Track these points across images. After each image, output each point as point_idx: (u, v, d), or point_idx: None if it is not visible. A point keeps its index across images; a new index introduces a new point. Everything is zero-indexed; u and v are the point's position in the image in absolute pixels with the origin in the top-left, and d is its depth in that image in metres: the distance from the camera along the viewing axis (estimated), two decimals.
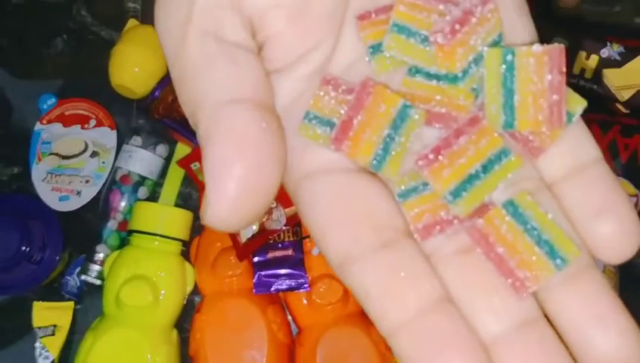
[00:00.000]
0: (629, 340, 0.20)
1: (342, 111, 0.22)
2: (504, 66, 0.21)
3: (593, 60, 0.82)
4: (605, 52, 0.82)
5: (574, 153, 0.23)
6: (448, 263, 0.22)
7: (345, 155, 0.22)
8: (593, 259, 0.22)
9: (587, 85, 0.82)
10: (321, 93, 0.22)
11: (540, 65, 0.21)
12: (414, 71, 0.23)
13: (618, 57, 0.82)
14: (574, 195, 0.22)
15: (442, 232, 0.22)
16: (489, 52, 0.21)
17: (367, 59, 0.23)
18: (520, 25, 0.24)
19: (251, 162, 0.20)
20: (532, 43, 0.22)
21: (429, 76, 0.23)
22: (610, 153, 0.80)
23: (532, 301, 0.22)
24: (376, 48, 0.23)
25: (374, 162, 0.21)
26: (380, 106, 0.21)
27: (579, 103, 0.23)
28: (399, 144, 0.21)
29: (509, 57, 0.21)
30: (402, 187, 0.22)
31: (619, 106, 0.82)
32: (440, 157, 0.21)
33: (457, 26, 0.21)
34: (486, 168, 0.21)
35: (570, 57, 0.82)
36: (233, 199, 0.19)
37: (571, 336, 0.21)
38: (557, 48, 0.22)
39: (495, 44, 0.22)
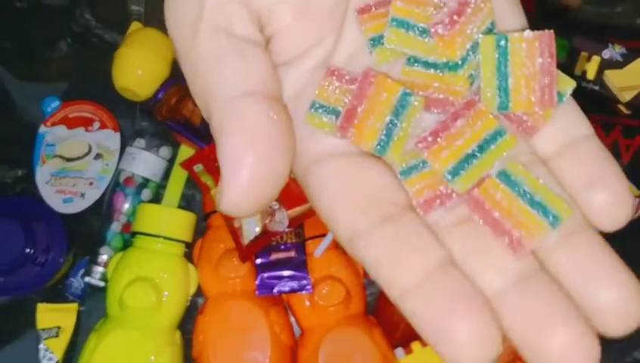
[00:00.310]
0: (629, 292, 0.22)
1: (346, 100, 0.23)
2: (498, 52, 0.22)
3: (595, 62, 0.82)
4: (607, 53, 0.82)
5: (566, 130, 0.24)
6: (449, 232, 0.23)
7: (350, 142, 0.23)
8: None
9: (589, 87, 0.82)
10: (326, 83, 0.23)
11: (532, 50, 0.22)
12: (413, 61, 0.24)
13: (620, 58, 0.82)
14: (567, 168, 0.24)
15: (443, 205, 0.23)
16: (484, 39, 0.23)
17: (368, 51, 0.25)
18: (510, 13, 0.25)
19: (262, 152, 0.21)
20: (523, 30, 0.23)
21: (427, 64, 0.24)
22: (612, 155, 0.79)
23: (531, 259, 0.22)
24: (377, 41, 0.24)
25: (378, 147, 0.23)
26: (382, 94, 0.23)
27: (569, 84, 0.24)
28: (400, 129, 0.23)
29: (502, 43, 0.23)
30: (404, 166, 0.23)
31: (620, 107, 0.82)
32: (439, 139, 0.22)
33: (455, 17, 0.22)
34: (482, 147, 0.23)
35: (572, 59, 0.82)
36: (246, 186, 0.21)
37: (572, 291, 0.22)
38: (547, 34, 0.23)
39: (489, 32, 0.24)
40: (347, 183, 0.23)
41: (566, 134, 0.24)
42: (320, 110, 0.23)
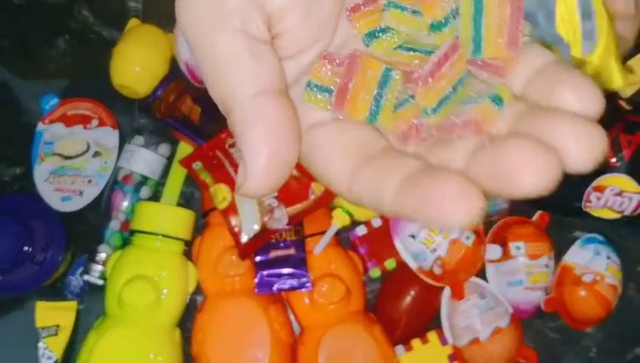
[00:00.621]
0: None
1: (337, 80, 0.27)
2: (474, 6, 0.26)
3: None
4: None
5: (532, 63, 0.27)
6: (424, 150, 0.26)
7: (344, 116, 0.27)
8: None
9: None
10: (319, 66, 0.27)
11: (502, 2, 0.26)
12: (398, 47, 0.28)
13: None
14: (538, 86, 0.26)
15: (418, 135, 0.26)
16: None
17: (364, 46, 0.28)
18: None
19: (276, 142, 0.25)
20: None
21: (409, 49, 0.28)
22: (614, 150, 0.79)
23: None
24: (371, 35, 0.28)
25: (370, 116, 0.26)
26: (368, 71, 0.26)
27: (527, 27, 0.27)
28: (386, 99, 0.26)
29: None
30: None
31: (622, 102, 0.82)
32: (430, 80, 0.26)
33: None
34: (455, 88, 0.26)
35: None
36: (264, 172, 0.25)
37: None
38: None
39: None
40: (336, 138, 0.27)
41: (533, 66, 0.26)
42: (315, 89, 0.27)
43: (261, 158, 0.25)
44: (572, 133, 0.22)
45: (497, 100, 0.25)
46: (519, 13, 0.26)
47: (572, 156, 0.22)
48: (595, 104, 0.24)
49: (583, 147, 0.22)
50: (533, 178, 0.22)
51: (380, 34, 0.28)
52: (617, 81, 0.31)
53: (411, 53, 0.28)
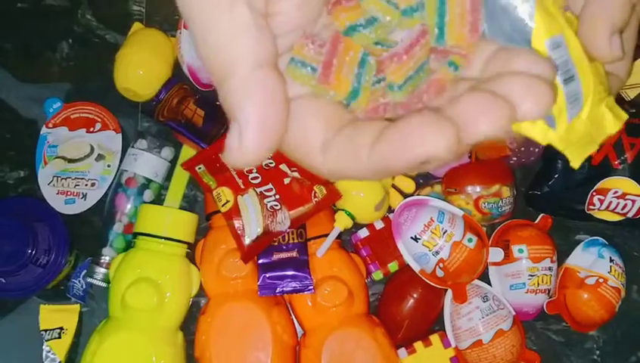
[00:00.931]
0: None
1: (319, 58, 0.28)
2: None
3: None
4: None
5: (488, 46, 0.29)
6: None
7: (329, 89, 0.28)
8: None
9: None
10: (303, 44, 0.29)
11: None
12: (375, 43, 0.30)
13: None
14: (495, 65, 0.28)
15: (385, 113, 0.28)
16: None
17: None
18: None
19: (274, 113, 0.26)
20: None
21: (382, 45, 0.30)
22: (616, 153, 0.79)
23: None
24: (352, 29, 0.29)
25: (353, 92, 0.28)
26: (350, 52, 0.28)
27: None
28: (365, 80, 0.28)
29: None
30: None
31: (624, 105, 0.82)
32: (405, 57, 0.28)
33: None
34: (418, 71, 0.28)
35: None
36: (261, 141, 0.26)
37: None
38: None
39: None
40: (310, 111, 0.28)
41: (488, 49, 0.29)
42: (299, 64, 0.28)
43: (259, 128, 0.26)
44: (521, 86, 0.25)
45: (453, 65, 0.28)
46: (478, 2, 0.28)
47: (521, 106, 0.24)
48: (546, 71, 0.26)
49: (531, 98, 0.24)
50: (488, 122, 0.24)
51: (360, 28, 0.29)
52: (611, 126, 0.31)
53: (383, 47, 0.30)
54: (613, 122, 0.32)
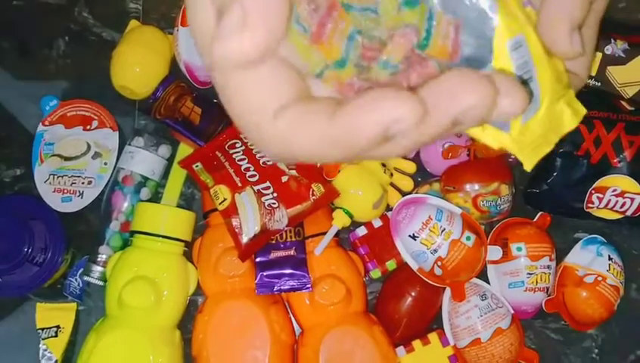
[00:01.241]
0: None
1: (312, 20, 0.28)
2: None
3: (597, 58, 0.81)
4: (609, 49, 0.81)
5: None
6: None
7: (319, 51, 0.28)
8: None
9: (591, 83, 0.82)
10: (298, 3, 0.28)
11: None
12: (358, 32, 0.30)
13: (622, 54, 0.81)
14: None
15: (359, 90, 0.28)
16: None
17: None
18: None
19: (281, 6, 0.25)
20: None
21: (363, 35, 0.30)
22: (615, 151, 0.79)
23: None
24: (347, 7, 0.29)
25: (343, 56, 0.28)
26: (342, 22, 0.28)
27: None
28: (353, 54, 0.28)
29: None
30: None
31: (623, 103, 0.82)
32: (402, 40, 0.28)
33: None
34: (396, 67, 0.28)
35: None
36: (265, 28, 0.24)
37: None
38: None
39: None
40: (275, 71, 0.26)
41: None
42: (293, 20, 0.27)
43: (265, 15, 0.24)
44: (505, 85, 0.25)
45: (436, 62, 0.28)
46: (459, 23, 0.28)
47: (501, 102, 0.25)
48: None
49: (513, 95, 0.25)
50: (468, 95, 0.24)
51: (354, 9, 0.29)
52: (569, 123, 0.31)
53: (364, 38, 0.30)
54: (571, 118, 0.32)
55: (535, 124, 0.31)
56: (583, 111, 0.32)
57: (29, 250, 0.74)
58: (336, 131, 0.24)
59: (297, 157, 0.26)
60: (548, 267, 0.79)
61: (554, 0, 0.30)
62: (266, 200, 0.72)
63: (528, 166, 0.32)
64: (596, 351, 0.84)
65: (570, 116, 0.32)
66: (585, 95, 0.86)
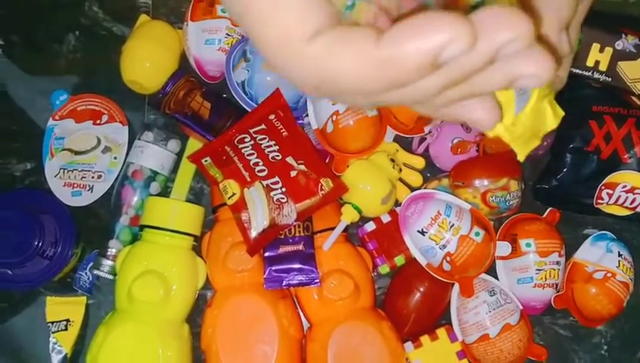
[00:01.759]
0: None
1: None
2: None
3: (607, 53, 0.81)
4: (620, 44, 0.81)
5: None
6: None
7: None
8: None
9: (601, 78, 0.81)
10: None
11: None
12: None
13: (633, 50, 0.81)
14: None
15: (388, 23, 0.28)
16: None
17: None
18: None
19: None
20: None
21: None
22: (625, 147, 0.78)
23: None
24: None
25: (349, 4, 0.27)
26: None
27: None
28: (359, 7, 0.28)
29: None
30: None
31: (634, 98, 0.81)
32: None
33: None
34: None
35: (585, 50, 0.81)
36: None
37: None
38: None
39: None
40: None
41: None
42: None
43: None
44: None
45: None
46: None
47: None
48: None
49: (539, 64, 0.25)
50: (511, 28, 0.24)
51: None
52: (550, 122, 0.32)
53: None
54: (552, 119, 0.32)
55: (525, 117, 0.32)
56: (562, 113, 0.33)
57: (40, 244, 0.75)
58: (384, 52, 0.23)
59: (336, 81, 0.25)
60: (557, 263, 0.79)
61: (543, 0, 0.30)
62: (275, 194, 0.72)
63: (521, 157, 0.33)
64: (605, 347, 0.83)
65: (551, 116, 0.32)
66: (595, 90, 0.86)
